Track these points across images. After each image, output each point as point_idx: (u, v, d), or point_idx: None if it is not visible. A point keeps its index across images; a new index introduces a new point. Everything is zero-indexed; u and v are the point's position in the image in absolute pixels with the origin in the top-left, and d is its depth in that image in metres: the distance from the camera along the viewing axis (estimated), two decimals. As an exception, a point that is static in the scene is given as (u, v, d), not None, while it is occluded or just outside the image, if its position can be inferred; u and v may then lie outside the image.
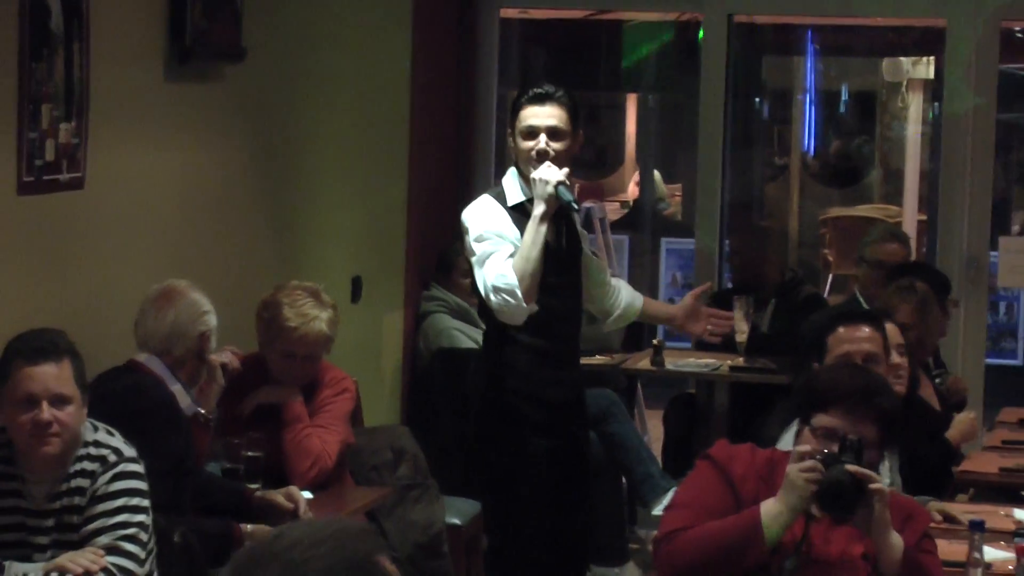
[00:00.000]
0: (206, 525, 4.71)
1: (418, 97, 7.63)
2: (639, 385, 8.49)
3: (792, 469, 3.73)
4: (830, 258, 12.65)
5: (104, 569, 4.15)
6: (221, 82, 5.98)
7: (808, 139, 14.11)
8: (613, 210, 12.84)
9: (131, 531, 4.23)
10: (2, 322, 4.68)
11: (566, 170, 5.43)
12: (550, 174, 5.38)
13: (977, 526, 4.26)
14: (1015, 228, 12.45)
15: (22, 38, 4.82)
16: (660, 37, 13.29)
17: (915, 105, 13.13)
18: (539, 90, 5.50)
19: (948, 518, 4.94)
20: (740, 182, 12.05)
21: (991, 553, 4.42)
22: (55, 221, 5.08)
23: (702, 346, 7.52)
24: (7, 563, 4.18)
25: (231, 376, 5.11)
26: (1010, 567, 4.39)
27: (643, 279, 11.94)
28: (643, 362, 7.74)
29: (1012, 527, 4.88)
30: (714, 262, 8.20)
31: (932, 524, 4.26)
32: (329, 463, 5.35)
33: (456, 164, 8.10)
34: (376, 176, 7.36)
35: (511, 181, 5.56)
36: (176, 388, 4.83)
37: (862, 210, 13.10)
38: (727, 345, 7.24)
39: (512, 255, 5.40)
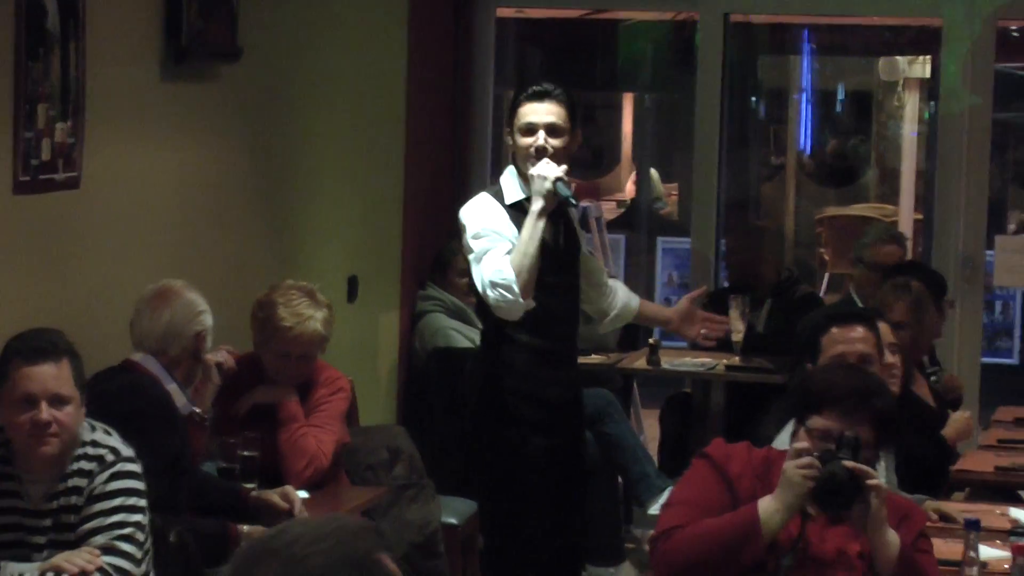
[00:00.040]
0: (202, 525, 4.70)
1: (414, 96, 7.62)
2: (635, 384, 8.47)
3: (789, 466, 3.73)
4: (826, 257, 12.66)
5: (100, 569, 4.14)
6: (217, 82, 5.98)
7: (804, 138, 14.12)
8: (609, 209, 12.84)
9: (127, 531, 4.22)
10: (-2, 322, 4.68)
11: (564, 167, 5.43)
12: (548, 170, 5.38)
13: (973, 525, 4.27)
14: (1011, 227, 12.44)
15: (18, 37, 4.82)
16: (656, 37, 13.29)
17: (911, 104, 13.13)
18: (538, 88, 5.51)
19: (944, 517, 4.94)
20: (736, 181, 12.04)
21: (987, 552, 4.41)
22: (51, 221, 5.08)
23: (698, 345, 7.51)
24: (3, 563, 4.17)
25: (227, 376, 5.11)
26: (1006, 566, 4.38)
27: (639, 278, 11.93)
28: (639, 361, 7.73)
29: (1008, 526, 4.89)
30: (710, 261, 8.19)
31: (928, 523, 4.25)
32: (325, 463, 5.35)
33: (452, 164, 8.09)
34: (372, 175, 7.35)
35: (509, 179, 5.56)
36: (172, 388, 4.82)
37: (858, 209, 13.11)
38: (723, 344, 7.23)
39: (510, 252, 5.40)
